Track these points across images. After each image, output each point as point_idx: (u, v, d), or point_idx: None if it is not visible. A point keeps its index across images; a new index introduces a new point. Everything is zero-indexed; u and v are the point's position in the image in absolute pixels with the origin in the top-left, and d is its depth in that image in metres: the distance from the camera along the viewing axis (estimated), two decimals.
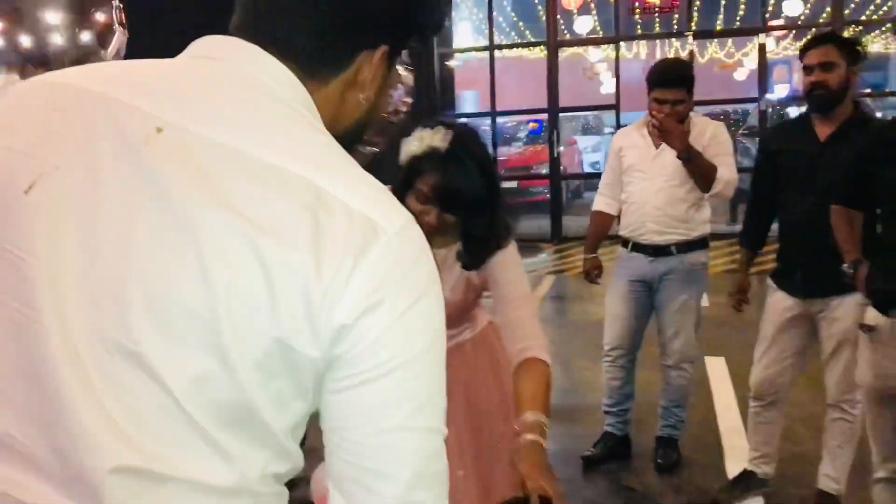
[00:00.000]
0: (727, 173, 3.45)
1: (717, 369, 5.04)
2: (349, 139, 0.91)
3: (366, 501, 0.78)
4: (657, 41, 15.10)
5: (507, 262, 1.97)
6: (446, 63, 11.36)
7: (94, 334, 0.73)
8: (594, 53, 17.48)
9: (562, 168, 12.19)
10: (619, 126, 11.21)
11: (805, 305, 3.07)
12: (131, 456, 0.72)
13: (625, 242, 3.77)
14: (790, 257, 3.14)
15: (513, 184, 12.88)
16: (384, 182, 1.46)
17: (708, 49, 17.52)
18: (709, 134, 3.58)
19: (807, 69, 2.97)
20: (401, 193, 1.88)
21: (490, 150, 11.45)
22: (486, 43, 11.66)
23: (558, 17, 11.85)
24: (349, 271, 0.74)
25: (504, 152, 14.44)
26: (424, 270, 0.80)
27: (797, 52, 3.12)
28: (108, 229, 0.74)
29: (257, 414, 0.76)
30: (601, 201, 3.88)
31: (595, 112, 16.56)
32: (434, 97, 10.97)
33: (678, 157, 3.43)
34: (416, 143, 1.90)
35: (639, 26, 14.21)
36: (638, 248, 3.69)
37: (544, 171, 11.82)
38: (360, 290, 0.74)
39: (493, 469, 2.08)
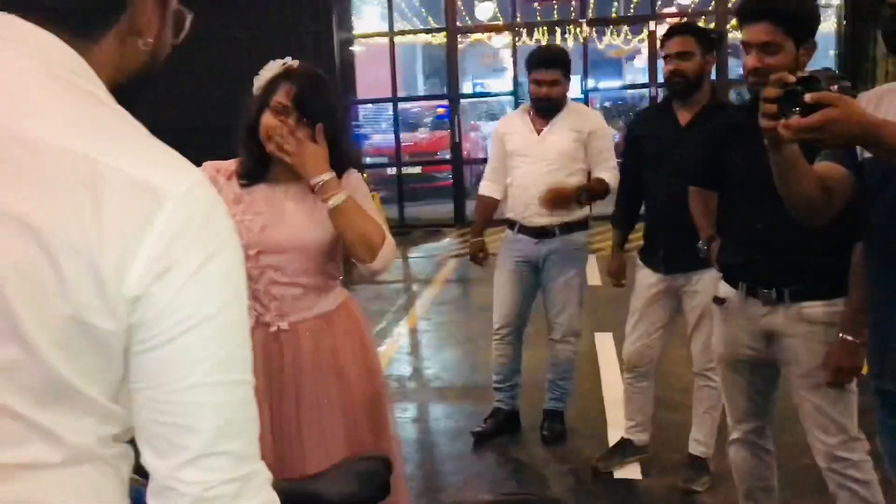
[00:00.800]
0: (611, 177, 3.67)
1: (605, 345, 5.26)
2: (137, 84, 0.94)
3: (174, 455, 0.81)
4: (557, 29, 15.37)
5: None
6: (346, 48, 11.32)
7: None
8: (497, 40, 17.72)
9: (465, 153, 12.35)
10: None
11: (669, 280, 3.27)
12: None
13: (511, 225, 3.91)
14: (654, 235, 3.34)
15: (416, 169, 12.98)
16: None
17: (606, 37, 17.96)
18: (589, 128, 3.77)
19: (667, 58, 3.16)
20: (256, 117, 2.10)
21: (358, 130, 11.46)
22: (387, 28, 11.65)
23: (459, 3, 11.94)
24: (135, 242, 0.76)
25: (410, 138, 14.51)
26: (217, 229, 0.82)
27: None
28: None
29: (73, 389, 0.79)
30: (486, 186, 4.00)
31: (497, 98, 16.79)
32: (334, 82, 10.92)
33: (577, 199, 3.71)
34: (270, 69, 2.14)
35: (539, 14, 14.49)
36: (523, 230, 3.84)
37: (448, 156, 11.93)
38: (148, 258, 0.77)
39: (358, 423, 2.20)
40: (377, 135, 14.64)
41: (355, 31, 12.04)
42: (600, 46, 18.35)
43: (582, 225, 3.86)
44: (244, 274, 0.87)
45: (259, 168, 2.17)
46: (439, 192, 12.38)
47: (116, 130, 0.83)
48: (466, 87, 21.39)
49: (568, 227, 3.80)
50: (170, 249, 0.78)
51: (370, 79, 13.05)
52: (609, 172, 3.71)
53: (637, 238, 3.57)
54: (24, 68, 0.82)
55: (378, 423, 2.28)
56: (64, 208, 0.76)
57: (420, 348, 5.86)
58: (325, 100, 2.13)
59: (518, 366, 4.03)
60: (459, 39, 16.69)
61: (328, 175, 2.06)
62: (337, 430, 2.16)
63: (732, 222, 2.59)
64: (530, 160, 3.78)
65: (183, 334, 0.79)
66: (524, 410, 4.09)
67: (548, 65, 3.70)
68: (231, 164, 2.22)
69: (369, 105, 15.61)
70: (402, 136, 14.05)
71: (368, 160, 13.86)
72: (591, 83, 11.15)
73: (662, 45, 3.22)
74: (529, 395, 4.14)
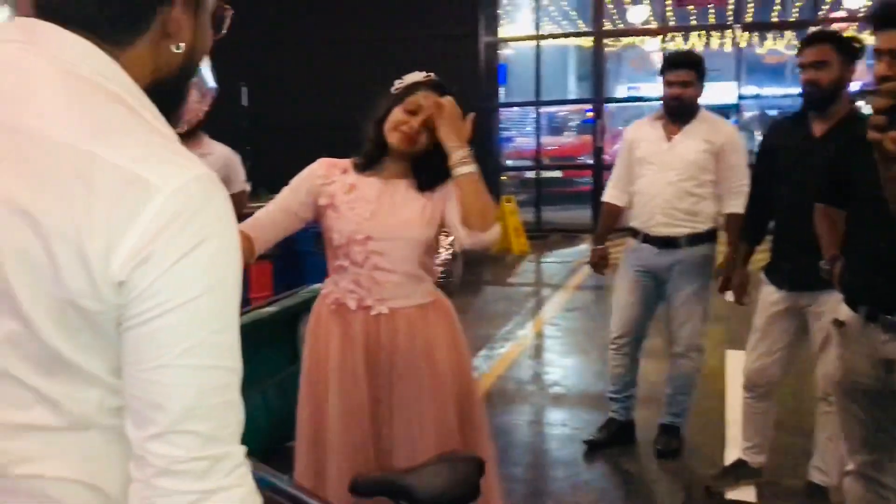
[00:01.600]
0: (742, 204, 3.51)
1: (736, 362, 5.07)
2: (176, 85, 1.01)
3: (144, 427, 0.86)
4: (711, 33, 14.87)
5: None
6: (492, 52, 11.42)
7: None
8: (651, 44, 17.32)
9: (608, 158, 12.18)
10: None
11: (793, 299, 3.13)
12: None
13: (634, 233, 3.86)
14: (780, 251, 3.20)
15: (557, 173, 12.93)
16: None
17: (768, 41, 17.17)
18: (722, 140, 3.66)
19: (802, 67, 3.02)
20: (386, 112, 2.29)
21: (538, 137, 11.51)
22: (528, 31, 11.66)
23: (611, 6, 11.79)
24: (121, 232, 0.82)
25: (554, 141, 14.47)
26: (206, 222, 0.86)
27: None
28: None
29: (73, 363, 0.87)
30: (611, 193, 3.96)
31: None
32: (479, 86, 11.06)
33: None
34: (413, 77, 2.36)
35: (693, 17, 14.05)
36: (647, 239, 3.78)
37: (590, 161, 11.81)
38: (132, 247, 0.82)
39: (448, 413, 2.30)
40: (521, 138, 14.70)
41: (502, 35, 12.11)
42: (761, 51, 17.58)
43: (710, 236, 3.75)
44: (233, 265, 0.90)
45: (376, 158, 2.34)
46: (578, 198, 12.28)
47: (124, 129, 0.88)
48: (620, 91, 21.01)
49: (695, 239, 3.70)
50: (154, 240, 0.83)
51: (521, 81, 13.12)
52: (740, 200, 3.56)
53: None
54: (40, 69, 0.89)
55: (471, 422, 2.34)
56: (59, 199, 0.83)
57: (543, 353, 5.86)
58: (459, 115, 2.29)
59: (634, 377, 3.97)
60: (612, 42, 16.50)
61: (467, 150, 2.22)
62: (425, 415, 2.26)
63: (856, 241, 2.45)
64: (657, 168, 3.72)
65: (156, 318, 0.84)
66: (641, 423, 4.02)
67: (679, 65, 3.66)
68: (346, 162, 2.39)
69: (515, 108, 15.73)
70: (547, 139, 14.05)
71: (509, 163, 13.94)
72: (748, 90, 10.71)
73: (799, 53, 3.08)
74: (648, 408, 4.08)
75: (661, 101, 3.77)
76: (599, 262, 4.03)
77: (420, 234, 2.28)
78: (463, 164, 2.19)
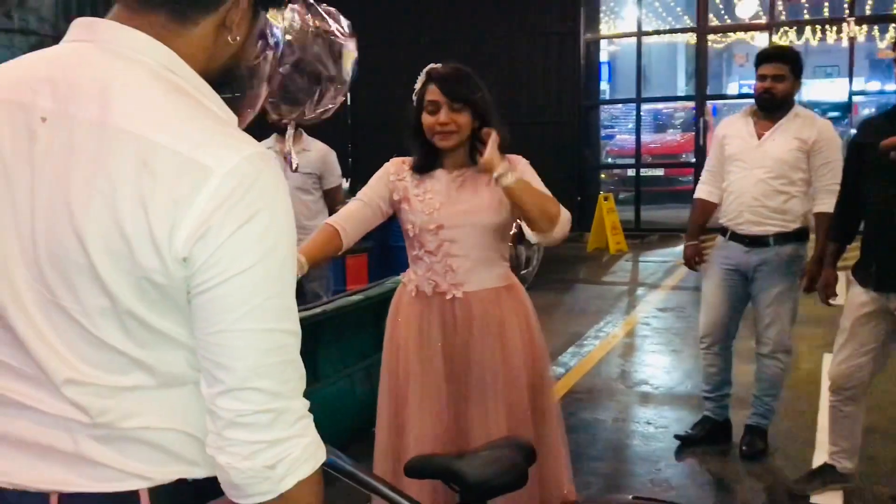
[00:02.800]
0: (833, 204, 3.42)
1: None
2: (220, 79, 1.10)
3: (213, 385, 0.97)
4: (825, 27, 14.29)
5: (526, 171, 2.39)
6: (593, 49, 11.33)
7: (33, 291, 0.98)
8: (761, 39, 16.78)
9: None
10: None
11: (882, 300, 3.03)
12: (71, 372, 0.98)
13: (723, 231, 3.81)
14: (868, 250, 3.11)
15: (658, 171, 12.71)
16: None
17: (889, 35, 16.35)
18: (815, 136, 3.57)
19: None
20: (416, 119, 2.38)
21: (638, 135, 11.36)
22: (632, 28, 11.51)
23: (717, 1, 11.52)
24: (183, 212, 0.92)
25: (657, 139, 14.24)
26: (258, 195, 0.95)
27: None
28: (21, 209, 0.98)
29: (158, 330, 0.98)
30: (703, 189, 3.92)
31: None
32: (579, 84, 11.00)
33: None
34: (420, 79, 2.39)
35: (806, 10, 13.55)
36: (735, 237, 3.73)
37: (693, 159, 11.57)
38: (191, 225, 0.92)
39: (520, 394, 2.38)
40: (623, 135, 14.51)
41: (604, 32, 12.01)
42: (881, 46, 16.75)
43: (800, 235, 3.67)
44: (285, 235, 0.98)
45: (430, 159, 2.43)
46: (680, 196, 12.04)
47: (184, 117, 0.97)
48: (732, 88, 20.42)
49: (784, 238, 3.63)
50: (211, 217, 0.92)
51: (627, 79, 12.97)
52: (831, 198, 3.46)
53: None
54: (108, 64, 0.99)
55: (541, 405, 2.40)
56: (129, 185, 0.93)
57: (633, 351, 5.82)
58: (468, 86, 2.35)
59: (728, 377, 3.92)
60: (719, 39, 16.08)
61: (502, 167, 2.25)
62: (499, 396, 2.34)
63: None
64: (747, 166, 3.66)
65: (217, 286, 0.94)
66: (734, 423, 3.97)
67: (772, 59, 3.62)
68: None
69: (619, 105, 15.53)
70: (650, 137, 13.83)
71: (609, 160, 13.79)
72: (865, 86, 10.25)
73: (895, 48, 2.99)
74: (739, 409, 4.01)
75: (754, 96, 3.72)
76: (692, 259, 3.98)
77: (489, 220, 2.35)
78: (503, 177, 2.23)
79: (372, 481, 1.86)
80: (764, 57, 3.66)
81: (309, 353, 3.70)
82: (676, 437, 3.95)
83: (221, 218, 0.93)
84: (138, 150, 0.93)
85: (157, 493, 1.02)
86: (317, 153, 4.92)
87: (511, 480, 1.73)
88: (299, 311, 3.53)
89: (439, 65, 2.41)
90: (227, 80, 1.13)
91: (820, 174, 3.58)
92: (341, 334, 3.63)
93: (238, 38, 1.08)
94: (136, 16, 1.02)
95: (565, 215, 2.30)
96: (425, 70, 2.40)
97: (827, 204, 3.50)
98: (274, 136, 4.94)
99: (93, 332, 0.98)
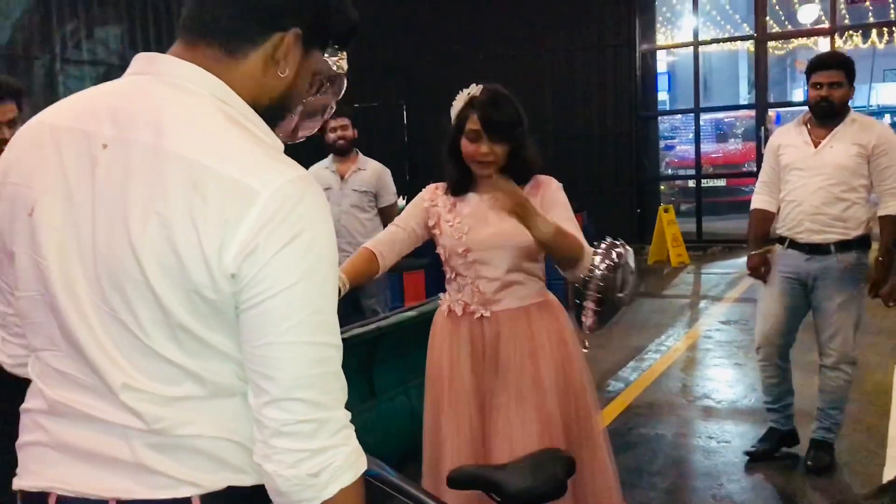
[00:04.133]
0: (894, 207, 3.38)
1: None
2: (272, 113, 1.16)
3: (259, 395, 1.03)
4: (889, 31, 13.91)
5: (555, 196, 2.42)
6: (648, 60, 11.25)
7: (93, 304, 1.05)
8: (824, 45, 16.41)
9: None
10: None
11: None
12: (127, 378, 1.04)
13: (781, 240, 3.76)
14: None
15: (720, 182, 12.51)
16: None
17: None
18: (874, 141, 3.51)
19: None
20: (454, 143, 2.40)
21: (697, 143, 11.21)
22: (690, 38, 11.39)
23: (777, 7, 11.34)
24: (232, 231, 0.98)
25: (718, 149, 14.02)
26: (301, 216, 1.00)
27: None
28: (83, 229, 1.05)
29: (208, 343, 1.04)
30: (759, 199, 3.86)
31: None
32: (635, 95, 10.92)
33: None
34: (459, 100, 2.41)
35: (870, 14, 13.22)
36: (794, 245, 3.67)
37: (754, 169, 11.35)
38: (241, 243, 0.98)
39: (550, 408, 2.38)
40: (683, 146, 14.33)
41: (660, 42, 11.92)
42: None
43: (861, 242, 3.59)
44: (327, 253, 1.04)
45: (465, 182, 2.47)
46: (742, 207, 11.80)
47: (233, 142, 1.04)
48: (796, 95, 19.98)
49: (845, 245, 3.55)
50: (257, 235, 0.98)
51: (686, 89, 12.83)
52: (895, 202, 3.41)
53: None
54: (164, 94, 1.07)
55: (578, 419, 2.40)
56: (181, 205, 0.99)
57: (695, 365, 5.73)
58: (507, 116, 2.36)
59: (789, 386, 3.84)
60: (779, 46, 15.78)
61: (542, 227, 2.20)
62: (527, 413, 2.35)
63: None
64: (805, 174, 3.60)
65: (263, 302, 1.00)
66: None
67: (827, 66, 3.58)
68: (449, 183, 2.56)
69: (677, 116, 15.35)
70: (710, 147, 13.63)
71: (669, 171, 13.63)
72: None
73: None
74: (803, 422, 3.93)
75: (809, 104, 3.67)
76: (758, 268, 3.89)
77: (516, 242, 2.36)
78: (535, 229, 2.20)
79: (416, 493, 1.90)
80: (818, 64, 3.61)
81: (365, 368, 3.77)
82: (746, 453, 3.88)
83: (267, 236, 0.98)
84: (190, 174, 0.99)
85: (209, 499, 1.07)
86: (372, 172, 5.01)
87: (550, 491, 1.75)
88: (356, 327, 3.62)
89: (480, 88, 2.41)
90: (281, 113, 1.19)
91: (882, 178, 3.50)
92: (398, 350, 3.67)
93: (286, 71, 1.13)
94: (192, 49, 1.10)
95: (587, 252, 2.32)
96: (467, 94, 2.41)
97: (891, 207, 3.43)
98: (331, 156, 5.05)
99: (147, 343, 1.04)
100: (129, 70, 1.13)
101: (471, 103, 2.38)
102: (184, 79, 1.08)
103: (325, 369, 1.04)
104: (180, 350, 1.04)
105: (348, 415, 1.06)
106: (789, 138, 3.72)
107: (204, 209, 0.98)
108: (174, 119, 1.04)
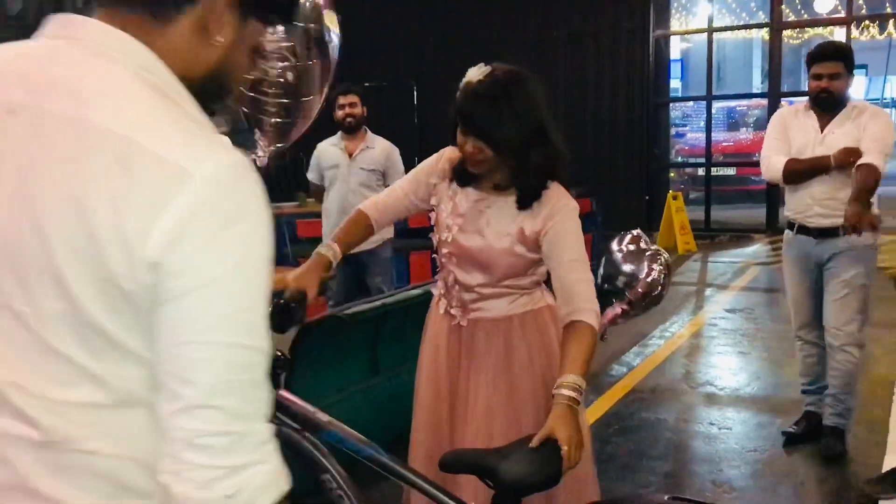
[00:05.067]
0: (878, 160, 3.38)
1: None
2: (207, 90, 1.01)
3: (173, 401, 0.87)
4: None
5: (565, 224, 2.07)
6: (662, 46, 11.17)
7: None
8: (840, 35, 16.26)
9: None
10: None
11: None
12: (14, 376, 0.91)
13: (790, 225, 3.76)
14: None
15: (730, 170, 12.45)
16: None
17: None
18: (866, 120, 3.55)
19: None
20: (453, 129, 2.08)
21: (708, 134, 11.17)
22: (705, 24, 11.31)
23: None
24: (157, 215, 0.85)
25: (730, 137, 13.95)
26: (232, 205, 0.88)
27: None
28: None
29: (118, 341, 0.89)
30: (781, 159, 3.68)
31: None
32: (648, 80, 10.86)
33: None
34: (470, 75, 2.05)
35: (888, 4, 13.09)
36: (803, 230, 3.69)
37: None
38: (166, 229, 0.85)
39: (522, 423, 2.17)
40: (694, 133, 14.27)
41: (674, 28, 11.83)
42: None
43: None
44: (260, 247, 0.91)
45: (467, 172, 2.16)
46: (752, 196, 11.78)
47: (162, 117, 0.90)
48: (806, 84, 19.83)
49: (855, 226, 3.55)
50: (186, 223, 0.85)
51: (699, 76, 12.75)
52: (875, 156, 3.40)
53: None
54: (84, 61, 0.93)
55: None
56: (101, 183, 0.86)
57: (699, 352, 5.73)
58: (497, 117, 1.99)
59: (825, 368, 3.82)
60: (795, 35, 15.65)
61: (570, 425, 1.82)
62: (498, 424, 2.19)
63: None
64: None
65: (184, 295, 0.86)
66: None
67: (827, 57, 3.61)
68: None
69: (690, 103, 15.27)
70: (722, 135, 13.55)
71: (679, 159, 13.57)
72: None
73: None
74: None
75: (809, 95, 3.69)
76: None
77: (501, 261, 2.14)
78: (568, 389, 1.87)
79: (407, 473, 1.90)
80: (817, 56, 3.64)
81: (370, 345, 3.78)
82: (783, 433, 3.92)
83: (196, 225, 0.87)
84: (116, 150, 0.87)
85: None
86: (381, 150, 5.00)
87: (545, 480, 1.74)
88: (362, 304, 3.60)
89: (483, 72, 2.03)
90: (217, 90, 1.05)
91: (865, 136, 3.50)
92: (402, 328, 3.68)
93: (220, 40, 1.00)
94: (112, 13, 0.96)
95: (597, 317, 2.01)
96: (465, 79, 2.06)
97: (869, 157, 3.41)
98: (339, 133, 5.04)
99: (45, 337, 0.90)
100: (40, 32, 0.99)
101: (464, 91, 2.03)
102: (106, 45, 0.94)
103: (249, 376, 0.91)
104: (85, 349, 0.90)
105: (271, 429, 0.94)
106: (799, 122, 3.72)
107: (129, 189, 0.86)
108: (98, 89, 0.92)
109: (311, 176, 5.21)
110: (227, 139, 0.93)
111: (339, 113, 4.96)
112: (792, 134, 3.70)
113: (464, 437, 2.24)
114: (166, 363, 0.88)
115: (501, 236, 2.13)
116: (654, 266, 4.25)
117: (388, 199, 2.38)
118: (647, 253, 4.29)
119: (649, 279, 4.15)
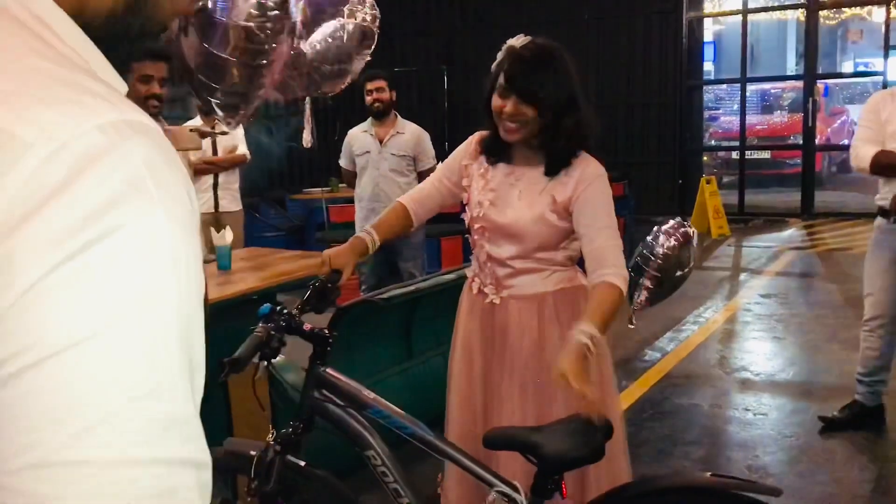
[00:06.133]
0: None
1: None
2: (129, 27, 0.63)
3: None
4: None
5: (595, 190, 2.13)
6: (696, 28, 11.02)
7: None
8: (879, 15, 15.92)
9: (823, 139, 11.44)
10: None
11: None
12: None
13: (884, 213, 3.65)
14: None
15: (765, 154, 12.28)
16: None
17: None
18: None
19: None
20: (488, 97, 2.14)
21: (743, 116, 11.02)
22: (739, 6, 11.12)
23: None
24: None
25: (764, 120, 13.76)
26: (109, 197, 0.48)
27: None
28: None
29: None
30: (870, 148, 3.53)
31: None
32: (681, 63, 10.72)
33: None
34: (502, 50, 2.16)
35: None
36: None
37: (801, 142, 11.12)
38: None
39: (551, 407, 2.19)
40: (728, 116, 14.08)
41: (707, 10, 11.66)
42: None
43: None
44: (164, 273, 0.50)
45: (497, 146, 2.23)
46: (787, 180, 11.61)
47: (13, 66, 0.52)
48: (846, 67, 19.48)
49: None
50: (15, 231, 0.47)
51: (733, 58, 12.56)
52: None
53: None
54: None
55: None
56: None
57: (733, 338, 5.68)
58: (540, 79, 2.08)
59: (888, 363, 3.77)
60: (833, 15, 15.35)
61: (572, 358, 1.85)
62: (528, 407, 2.22)
63: None
64: None
65: (21, 374, 0.46)
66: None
67: None
68: None
69: (724, 86, 15.06)
70: (756, 118, 13.36)
71: (713, 143, 13.41)
72: None
73: None
74: (846, 397, 3.89)
75: None
76: None
77: (534, 231, 2.17)
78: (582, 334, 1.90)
79: (450, 450, 1.94)
80: None
81: (404, 330, 3.80)
82: (820, 418, 3.86)
83: (36, 235, 0.47)
84: None
85: None
86: (411, 135, 5.01)
87: (587, 454, 1.75)
88: (396, 288, 3.64)
89: (525, 40, 2.14)
90: (142, 25, 0.64)
91: None
92: (435, 312, 3.70)
93: None
94: None
95: (624, 279, 2.04)
96: (507, 44, 2.15)
97: None
98: (370, 119, 5.06)
99: None
100: None
101: (507, 55, 2.13)
102: None
103: None
104: None
105: None
106: (894, 106, 3.56)
107: None
108: None
109: (343, 162, 5.24)
110: (124, 99, 0.56)
111: (368, 98, 4.99)
112: (885, 117, 3.55)
113: (500, 417, 2.26)
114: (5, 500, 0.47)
115: (533, 205, 2.17)
116: (671, 240, 4.00)
117: (423, 190, 2.44)
118: (669, 227, 4.06)
119: (660, 251, 3.95)
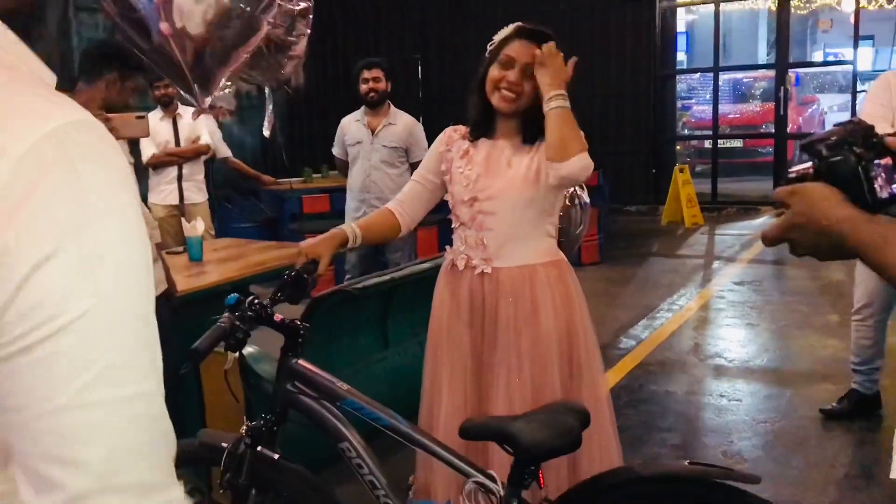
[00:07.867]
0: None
1: None
2: (20, 8, 0.67)
3: (53, 492, 0.59)
4: None
5: None
6: (668, 17, 11.05)
7: None
8: (847, 5, 16.08)
9: (794, 127, 11.54)
10: (854, 87, 10.45)
11: None
12: None
13: None
14: None
15: (737, 143, 12.37)
16: None
17: None
18: None
19: None
20: (484, 73, 2.32)
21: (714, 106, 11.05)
22: None
23: None
24: None
25: (736, 109, 13.85)
26: (69, 194, 0.58)
27: None
28: None
29: None
30: (882, 125, 3.43)
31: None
32: (654, 52, 10.75)
33: None
34: (504, 31, 2.35)
35: None
36: None
37: (773, 130, 11.20)
38: None
39: (548, 371, 2.30)
40: (700, 105, 14.16)
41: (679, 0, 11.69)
42: None
43: None
44: (140, 251, 0.64)
45: (483, 123, 2.38)
46: (759, 168, 11.70)
47: None
48: (816, 56, 19.69)
49: None
50: (4, 230, 0.56)
51: (705, 48, 12.64)
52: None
53: None
54: None
55: (580, 381, 2.34)
56: None
57: (707, 325, 5.72)
58: (546, 39, 2.28)
59: (881, 349, 3.78)
60: (801, 5, 15.50)
61: (561, 90, 2.23)
62: (524, 375, 2.28)
63: None
64: None
65: (40, 343, 0.58)
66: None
67: None
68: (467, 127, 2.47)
69: (696, 75, 15.14)
70: (728, 107, 13.45)
71: (686, 132, 13.49)
72: None
73: None
74: (818, 382, 3.92)
75: None
76: None
77: (523, 194, 2.29)
78: (553, 101, 2.20)
79: (427, 442, 1.92)
80: None
81: (380, 320, 3.77)
82: (821, 410, 3.85)
83: (20, 233, 0.57)
84: None
85: None
86: (403, 126, 4.94)
87: (564, 444, 1.74)
88: (372, 278, 3.61)
89: (528, 24, 2.35)
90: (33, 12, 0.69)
91: None
92: (411, 302, 3.67)
93: None
94: None
95: (583, 161, 2.20)
96: (514, 25, 2.34)
97: None
98: (363, 108, 4.99)
99: None
100: None
101: (516, 31, 2.31)
102: None
103: (155, 429, 0.65)
104: None
105: (181, 487, 0.68)
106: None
107: None
108: None
109: (336, 151, 5.16)
110: (62, 97, 0.62)
111: (363, 87, 4.91)
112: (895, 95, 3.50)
113: (495, 397, 2.30)
114: (30, 443, 0.60)
115: (521, 167, 2.30)
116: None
117: (408, 191, 2.49)
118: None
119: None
